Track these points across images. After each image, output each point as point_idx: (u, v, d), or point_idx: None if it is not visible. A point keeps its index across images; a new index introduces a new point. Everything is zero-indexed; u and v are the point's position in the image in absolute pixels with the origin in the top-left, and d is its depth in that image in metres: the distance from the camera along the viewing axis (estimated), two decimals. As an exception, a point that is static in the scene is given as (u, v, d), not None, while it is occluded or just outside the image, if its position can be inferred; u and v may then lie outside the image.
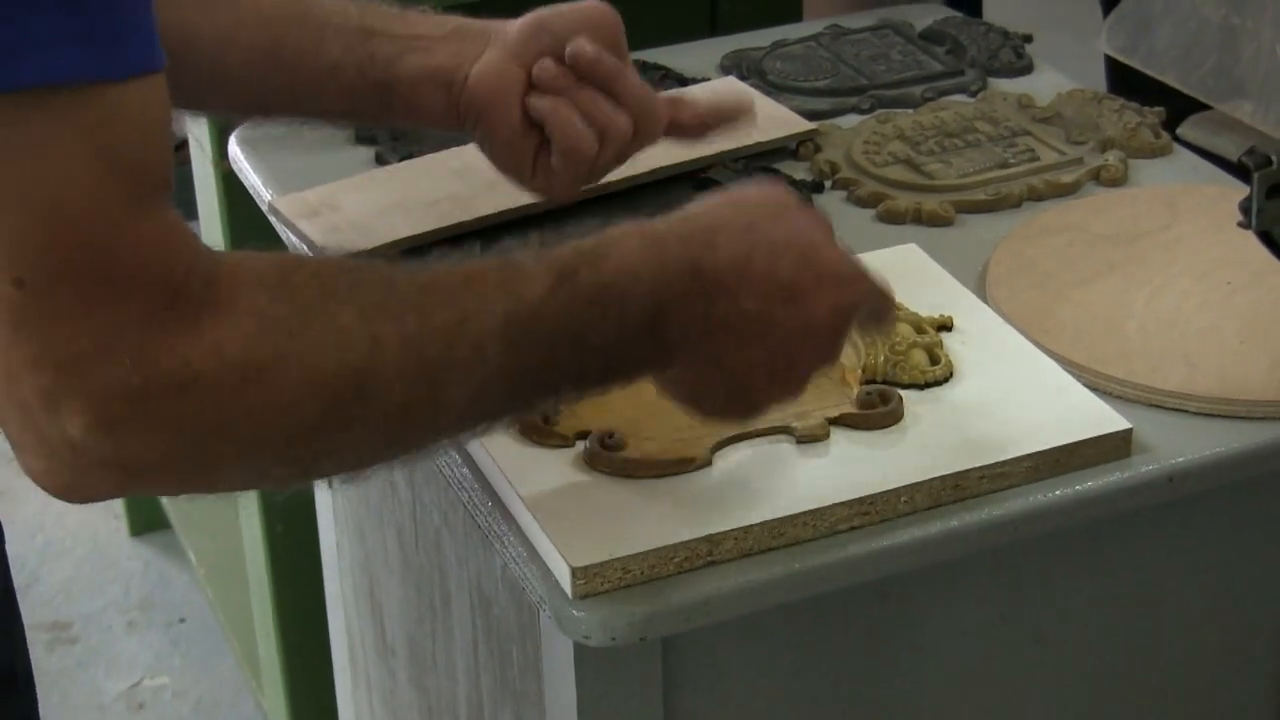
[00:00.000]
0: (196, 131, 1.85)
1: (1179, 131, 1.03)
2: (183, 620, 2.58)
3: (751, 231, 0.98)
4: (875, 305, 1.03)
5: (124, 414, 0.81)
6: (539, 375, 0.94)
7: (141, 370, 0.81)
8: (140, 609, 2.59)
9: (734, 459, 1.09)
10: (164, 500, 2.47)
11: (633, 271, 0.95)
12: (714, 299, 0.96)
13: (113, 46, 0.79)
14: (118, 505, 2.71)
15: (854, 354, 1.16)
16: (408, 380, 0.88)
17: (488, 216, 1.35)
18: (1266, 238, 1.04)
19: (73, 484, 0.84)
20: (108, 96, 0.80)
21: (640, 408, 1.12)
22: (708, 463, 1.08)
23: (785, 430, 1.10)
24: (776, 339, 0.98)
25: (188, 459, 0.84)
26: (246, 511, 1.95)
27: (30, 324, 0.80)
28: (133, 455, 0.83)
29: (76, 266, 0.80)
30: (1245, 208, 1.02)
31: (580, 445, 1.09)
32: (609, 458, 1.07)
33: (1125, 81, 1.63)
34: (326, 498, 1.54)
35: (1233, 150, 0.99)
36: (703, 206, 1.01)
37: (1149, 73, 0.98)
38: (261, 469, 0.88)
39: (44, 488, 0.85)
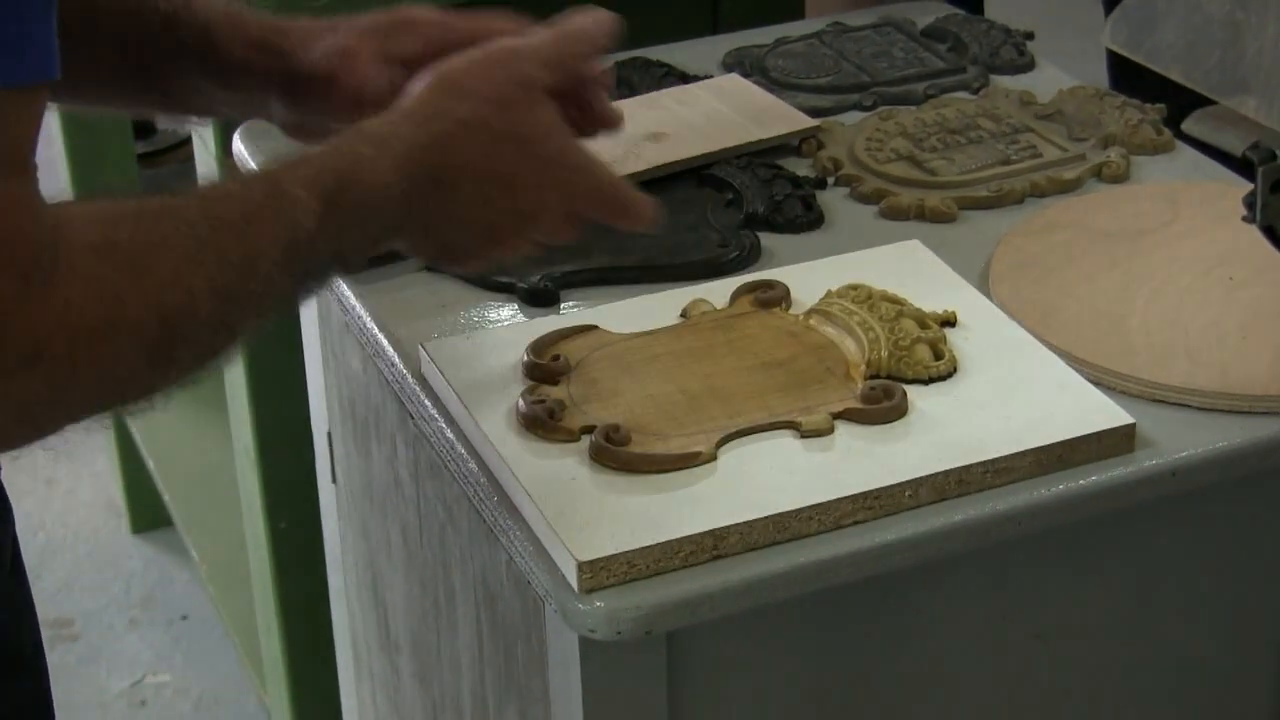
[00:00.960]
0: (199, 128, 1.85)
1: (1183, 126, 1.03)
2: (185, 617, 2.58)
3: (483, 130, 1.07)
4: (605, 198, 1.13)
5: None
6: (307, 291, 1.03)
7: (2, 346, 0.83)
8: (142, 606, 2.59)
9: (739, 453, 1.09)
10: (166, 497, 2.47)
11: (385, 185, 1.03)
12: (445, 194, 1.07)
13: (9, 56, 0.81)
14: (119, 502, 2.72)
15: (858, 349, 1.16)
16: (214, 323, 0.93)
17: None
18: (1270, 232, 1.04)
19: None
20: None
21: (646, 403, 1.12)
22: (713, 457, 1.08)
23: (790, 425, 1.10)
24: (496, 216, 1.09)
25: (26, 428, 0.87)
26: (249, 508, 1.95)
27: None
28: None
29: None
30: (1249, 202, 1.02)
31: (585, 440, 1.10)
32: (615, 452, 1.08)
33: (1127, 78, 1.63)
34: (330, 494, 1.54)
35: (1237, 145, 0.99)
36: (437, 101, 1.08)
37: (1153, 68, 0.99)
38: (82, 414, 0.91)
39: None
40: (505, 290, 1.29)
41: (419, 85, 1.09)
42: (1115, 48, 1.01)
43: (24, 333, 0.84)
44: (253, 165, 1.43)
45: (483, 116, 1.08)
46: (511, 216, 1.10)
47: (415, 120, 1.07)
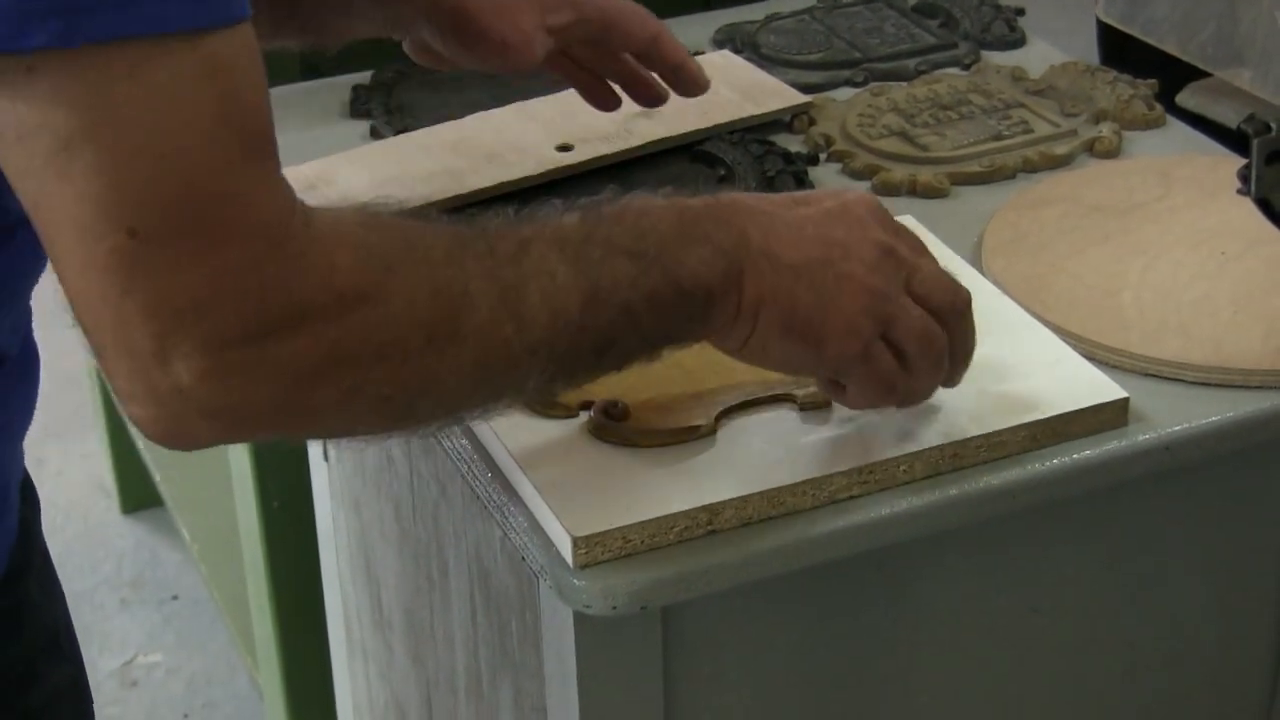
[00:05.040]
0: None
1: (1177, 99, 1.03)
2: (175, 597, 2.58)
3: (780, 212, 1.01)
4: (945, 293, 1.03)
5: (237, 360, 0.82)
6: (609, 293, 0.93)
7: (257, 314, 0.82)
8: (132, 586, 2.58)
9: (736, 427, 1.09)
10: (157, 477, 2.46)
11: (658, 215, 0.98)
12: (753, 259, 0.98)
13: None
14: (109, 483, 2.71)
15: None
16: (491, 299, 0.89)
17: (484, 190, 1.35)
18: (1265, 204, 1.04)
19: (179, 431, 0.84)
20: (217, 44, 0.81)
21: (644, 377, 1.12)
22: (712, 431, 1.08)
23: (788, 398, 1.10)
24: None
25: (295, 401, 0.85)
26: (240, 487, 1.95)
27: (144, 273, 0.80)
28: (242, 401, 0.83)
29: (192, 214, 0.80)
30: (1244, 175, 1.02)
31: (582, 416, 1.10)
32: (614, 427, 1.08)
33: (1119, 53, 1.63)
34: (322, 472, 1.54)
35: (1232, 117, 0.99)
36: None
37: (1148, 40, 0.99)
38: (363, 408, 0.87)
39: (149, 435, 0.85)
40: (498, 267, 1.29)
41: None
42: (1110, 21, 1.01)
43: (284, 293, 0.82)
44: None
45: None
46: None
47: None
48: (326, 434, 0.92)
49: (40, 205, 0.81)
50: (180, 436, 0.85)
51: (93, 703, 1.20)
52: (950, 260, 1.25)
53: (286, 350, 0.83)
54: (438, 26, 1.23)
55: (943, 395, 1.11)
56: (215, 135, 0.81)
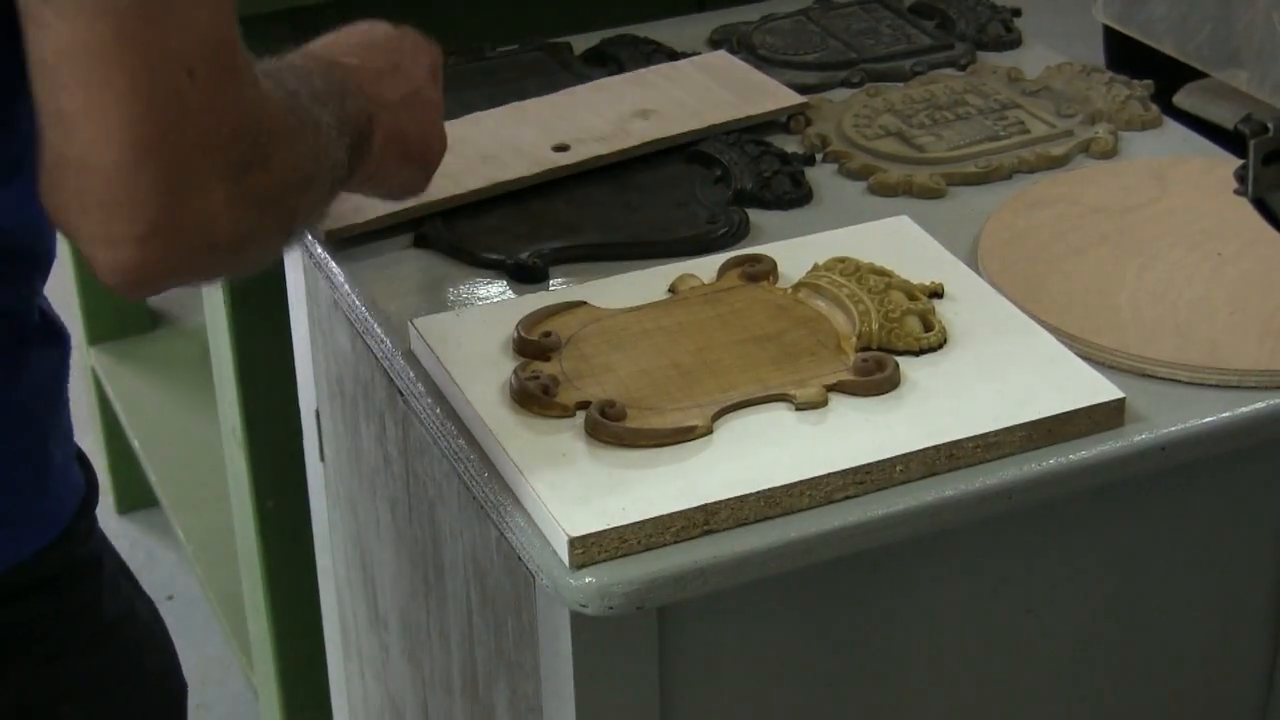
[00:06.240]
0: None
1: (1174, 100, 1.03)
2: (170, 597, 2.57)
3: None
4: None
5: (244, 188, 0.92)
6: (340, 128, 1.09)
7: (253, 147, 0.92)
8: (128, 587, 2.58)
9: (733, 427, 1.09)
10: (152, 477, 2.46)
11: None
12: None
13: None
14: (105, 482, 2.71)
15: (848, 321, 1.16)
16: (316, 142, 1.02)
17: (480, 190, 1.35)
18: (1262, 205, 1.04)
19: (176, 269, 0.92)
20: None
21: (640, 378, 1.12)
22: (709, 431, 1.08)
23: (785, 398, 1.10)
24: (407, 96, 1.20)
25: (265, 225, 0.95)
26: (236, 487, 1.95)
27: (191, 108, 0.89)
28: (246, 228, 0.93)
29: (226, 58, 0.90)
30: (1241, 175, 1.02)
31: (578, 416, 1.10)
32: (610, 427, 1.08)
33: (1124, 55, 1.63)
34: (318, 472, 1.54)
35: (1228, 118, 0.99)
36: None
37: (1145, 41, 0.99)
38: (284, 231, 1.00)
39: (131, 279, 0.91)
40: (494, 267, 1.29)
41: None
42: (1106, 21, 1.01)
43: (261, 131, 0.93)
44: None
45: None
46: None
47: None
48: (256, 261, 1.00)
49: (88, 47, 0.87)
50: (173, 274, 0.92)
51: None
52: (946, 262, 1.26)
53: (258, 180, 0.93)
54: None
55: (940, 395, 1.11)
56: None
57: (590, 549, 1.01)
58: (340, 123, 1.08)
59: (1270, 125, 0.99)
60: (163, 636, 1.23)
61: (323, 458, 1.52)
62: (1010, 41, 1.61)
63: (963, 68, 1.57)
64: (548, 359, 1.15)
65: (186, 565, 2.54)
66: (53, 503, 1.11)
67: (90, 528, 1.16)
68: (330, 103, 1.07)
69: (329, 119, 1.05)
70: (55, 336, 1.10)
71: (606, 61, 1.58)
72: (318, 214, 1.11)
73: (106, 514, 2.71)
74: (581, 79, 1.53)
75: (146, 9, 0.87)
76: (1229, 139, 1.10)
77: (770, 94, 1.49)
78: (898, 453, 1.07)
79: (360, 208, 1.31)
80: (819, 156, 1.43)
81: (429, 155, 1.23)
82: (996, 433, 1.09)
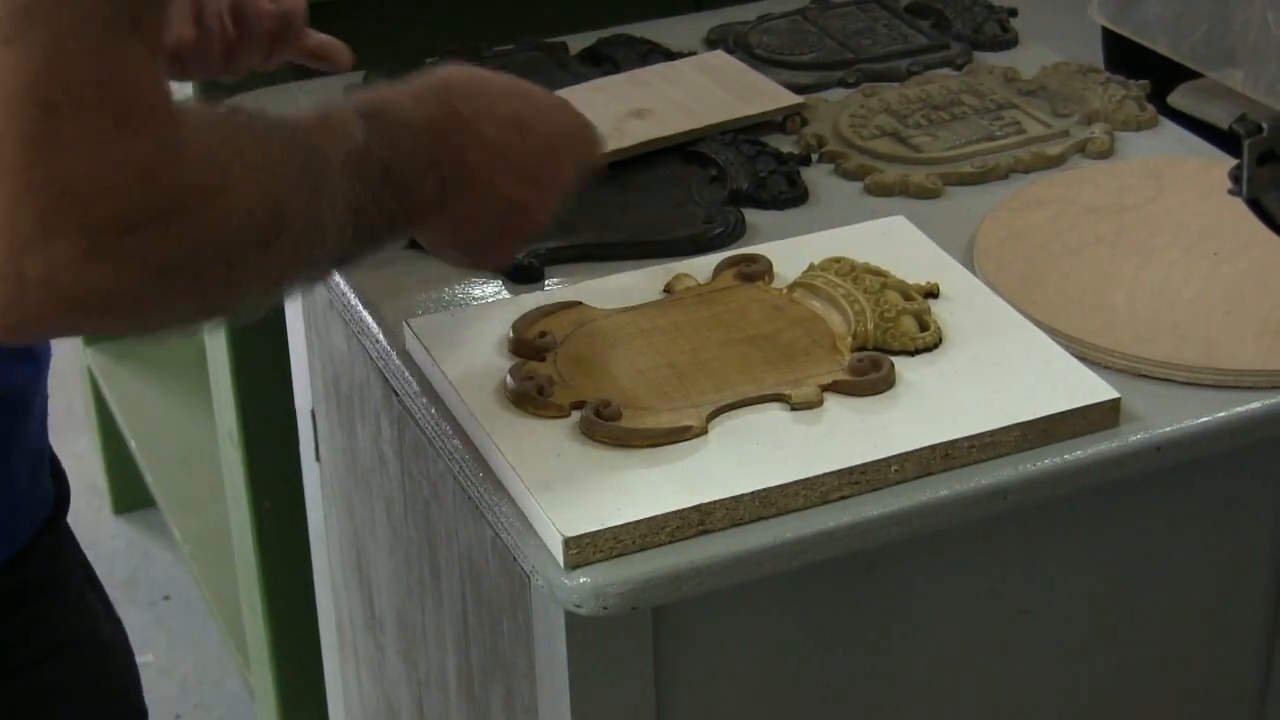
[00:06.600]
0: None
1: (1169, 100, 1.03)
2: (167, 598, 2.57)
3: (478, 84, 1.12)
4: (583, 132, 1.18)
5: (113, 246, 0.83)
6: (369, 205, 1.00)
7: (142, 204, 0.83)
8: (124, 587, 2.58)
9: (729, 427, 1.09)
10: (148, 477, 2.46)
11: (410, 116, 1.05)
12: (464, 133, 1.08)
13: None
14: (101, 483, 2.71)
15: (843, 321, 1.16)
16: (302, 204, 0.93)
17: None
18: (1256, 205, 1.04)
19: (27, 318, 0.84)
20: None
21: (635, 378, 1.12)
22: (704, 431, 1.08)
23: (780, 398, 1.10)
24: (519, 156, 1.11)
25: (150, 291, 0.86)
26: (232, 488, 1.95)
27: (48, 148, 0.81)
28: (105, 289, 0.83)
29: (101, 96, 0.81)
30: (1235, 175, 1.02)
31: (573, 416, 1.10)
32: (606, 427, 1.08)
33: (1123, 55, 1.63)
34: (314, 472, 1.54)
35: (1223, 118, 0.99)
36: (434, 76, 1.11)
37: (1140, 41, 0.98)
38: (202, 299, 0.90)
39: None
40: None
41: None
42: (1101, 20, 1.00)
43: (164, 189, 0.84)
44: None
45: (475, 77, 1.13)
46: (532, 157, 1.13)
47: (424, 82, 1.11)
48: (159, 325, 0.92)
49: None
50: (26, 324, 0.85)
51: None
52: (942, 261, 1.25)
53: (155, 242, 0.84)
54: None
55: (935, 395, 1.11)
56: (130, 31, 0.83)
57: (585, 549, 1.01)
58: (362, 174, 1.00)
59: (1265, 125, 0.98)
60: (123, 661, 1.20)
61: (318, 458, 1.52)
62: (1006, 41, 1.61)
63: (959, 68, 1.57)
64: (543, 359, 1.15)
65: (183, 565, 2.54)
66: (11, 520, 1.08)
67: (57, 544, 1.13)
68: (364, 158, 1.00)
69: (341, 180, 0.98)
70: (22, 353, 1.06)
71: (603, 61, 1.58)
72: (302, 276, 1.00)
73: (103, 514, 2.71)
74: (578, 79, 1.53)
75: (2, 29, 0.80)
76: (1225, 139, 1.10)
77: (766, 94, 1.49)
78: (893, 453, 1.07)
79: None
80: (815, 156, 1.43)
81: (518, 225, 1.14)
82: (992, 433, 1.09)
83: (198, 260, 0.87)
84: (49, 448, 1.16)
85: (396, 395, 1.23)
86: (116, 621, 1.21)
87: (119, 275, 0.83)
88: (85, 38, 0.81)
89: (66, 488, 1.16)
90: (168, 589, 2.58)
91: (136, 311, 0.87)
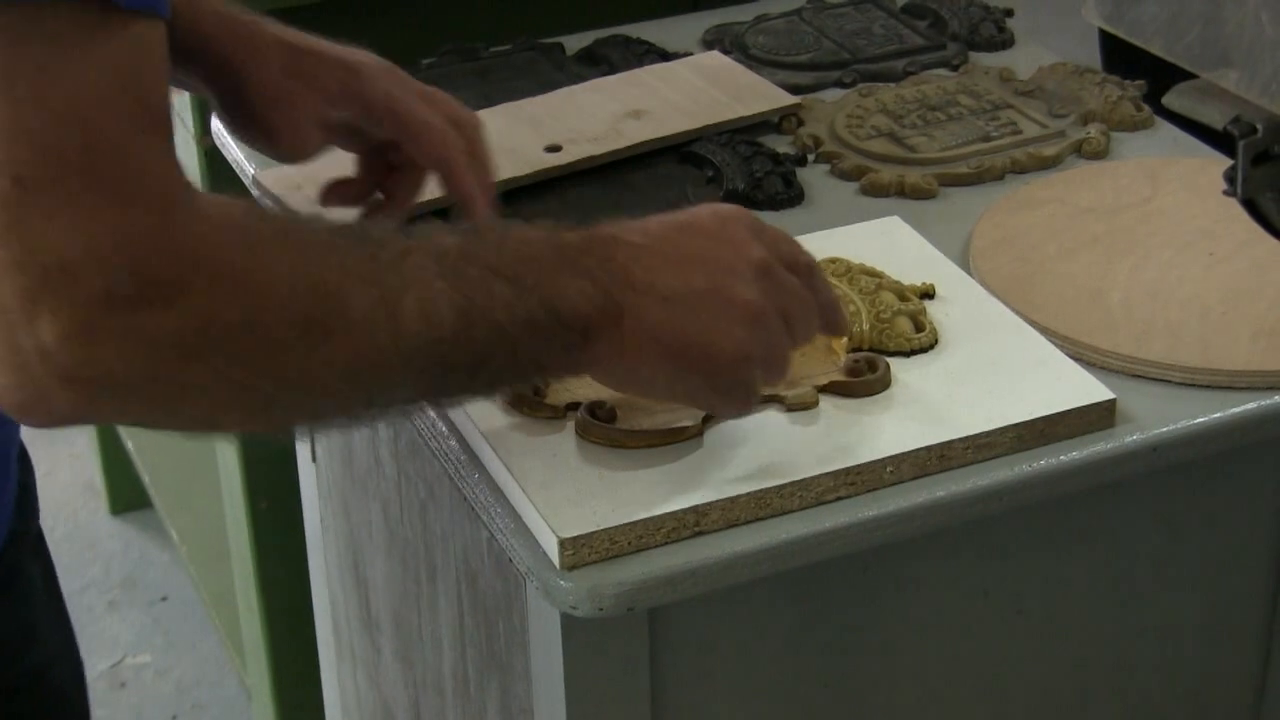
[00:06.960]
0: (178, 108, 1.84)
1: (1164, 100, 1.03)
2: (164, 599, 2.57)
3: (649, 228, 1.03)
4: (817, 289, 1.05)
5: (107, 324, 0.79)
6: (484, 312, 0.92)
7: (132, 280, 0.79)
8: (121, 588, 2.58)
9: (724, 428, 1.09)
10: (145, 478, 2.46)
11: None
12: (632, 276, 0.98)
13: None
14: (98, 483, 2.71)
15: (840, 324, 1.16)
16: (368, 301, 0.87)
17: (471, 190, 1.35)
18: (1251, 206, 1.04)
19: (35, 400, 0.81)
20: (131, 26, 0.80)
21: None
22: (699, 432, 1.08)
23: (775, 399, 1.10)
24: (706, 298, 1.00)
25: (157, 379, 0.82)
26: (229, 488, 1.95)
27: (24, 223, 0.78)
28: (105, 371, 0.80)
29: (80, 168, 0.79)
30: (1230, 176, 1.02)
31: (569, 417, 1.09)
32: (601, 428, 1.08)
33: (1120, 55, 1.63)
34: (310, 472, 1.54)
35: (1218, 118, 0.99)
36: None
37: (1134, 41, 0.98)
38: (223, 395, 0.85)
39: (2, 404, 0.82)
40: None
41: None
42: (1095, 21, 1.00)
43: (162, 263, 0.80)
44: (231, 142, 1.42)
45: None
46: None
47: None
48: (182, 422, 0.87)
49: None
50: (36, 406, 0.81)
51: (83, 666, 1.22)
52: (938, 262, 1.25)
53: (157, 322, 0.80)
54: (218, 102, 1.17)
55: (931, 396, 1.11)
56: (119, 102, 0.80)
57: (581, 550, 1.01)
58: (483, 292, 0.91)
59: (1259, 126, 0.98)
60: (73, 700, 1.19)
61: (315, 459, 1.52)
62: (1003, 42, 1.61)
63: (955, 68, 1.57)
64: (539, 360, 1.15)
65: (180, 566, 2.54)
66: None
67: (8, 576, 1.10)
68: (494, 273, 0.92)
69: (447, 286, 0.89)
70: None
71: (599, 62, 1.58)
72: (370, 393, 0.91)
73: (100, 515, 2.71)
74: (574, 79, 1.53)
75: None
76: (1220, 140, 1.10)
77: (763, 94, 1.49)
78: (888, 454, 1.07)
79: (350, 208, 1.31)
80: (811, 157, 1.43)
81: (712, 363, 1.00)
82: (988, 434, 1.09)
83: (225, 345, 0.83)
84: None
85: (392, 396, 1.23)
86: (74, 661, 1.20)
87: (121, 355, 0.80)
88: (66, 112, 0.79)
89: (32, 509, 1.14)
90: (165, 590, 2.59)
91: (161, 397, 0.83)
